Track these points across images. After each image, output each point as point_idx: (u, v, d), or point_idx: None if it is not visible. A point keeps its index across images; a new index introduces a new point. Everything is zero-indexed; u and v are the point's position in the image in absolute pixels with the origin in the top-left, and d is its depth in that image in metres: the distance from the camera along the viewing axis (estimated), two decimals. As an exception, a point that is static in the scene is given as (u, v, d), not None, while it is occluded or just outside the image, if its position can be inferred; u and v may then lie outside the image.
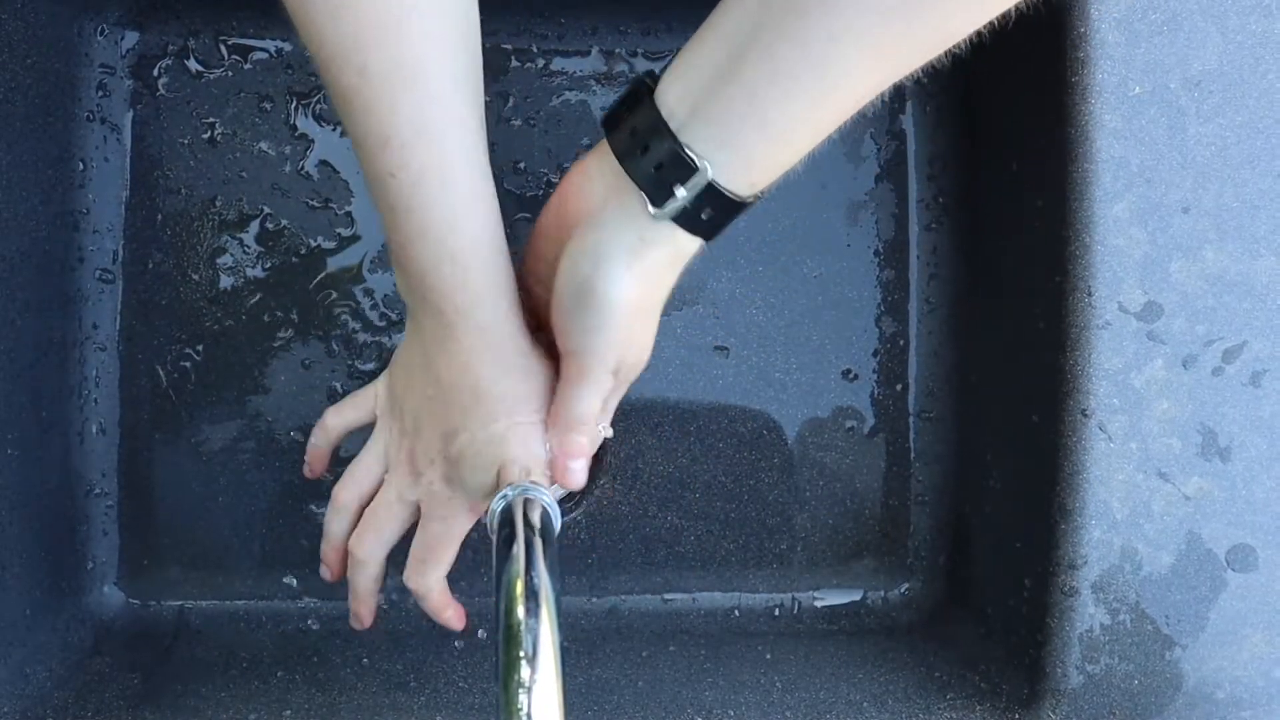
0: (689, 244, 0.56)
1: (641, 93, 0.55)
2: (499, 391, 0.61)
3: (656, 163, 0.53)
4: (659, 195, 0.53)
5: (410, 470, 0.66)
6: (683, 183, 0.53)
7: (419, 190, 0.56)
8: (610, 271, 0.55)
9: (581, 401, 0.60)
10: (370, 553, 0.69)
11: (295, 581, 0.87)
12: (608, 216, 0.56)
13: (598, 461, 0.67)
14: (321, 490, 0.87)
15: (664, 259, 0.56)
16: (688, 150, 0.52)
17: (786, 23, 0.49)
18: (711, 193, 0.53)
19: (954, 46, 0.50)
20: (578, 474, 0.62)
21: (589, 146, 0.86)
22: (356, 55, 0.53)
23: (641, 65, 0.87)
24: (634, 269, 0.56)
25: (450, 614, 0.72)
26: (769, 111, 0.51)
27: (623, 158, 0.54)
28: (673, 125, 0.53)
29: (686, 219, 0.54)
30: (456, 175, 0.56)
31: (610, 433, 0.66)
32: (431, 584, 0.70)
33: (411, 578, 0.69)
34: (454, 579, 0.78)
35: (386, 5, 0.52)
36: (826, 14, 0.48)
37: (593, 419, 0.62)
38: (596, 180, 0.57)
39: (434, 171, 0.55)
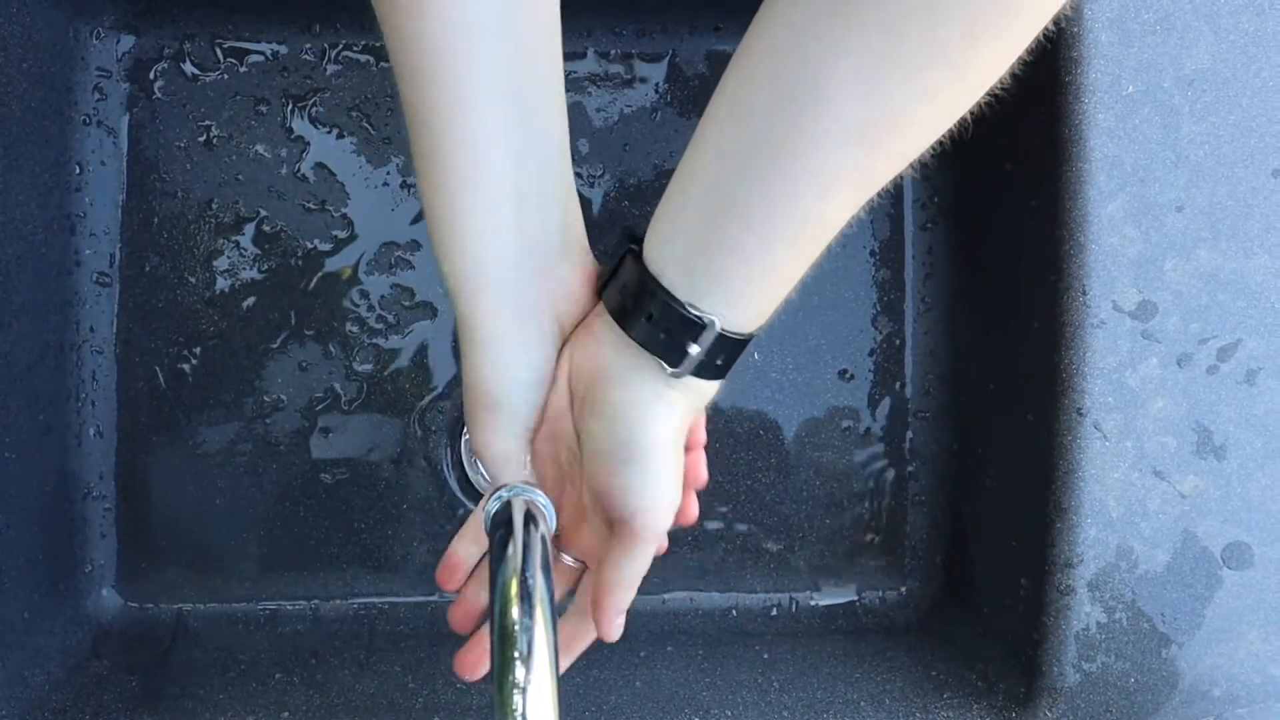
0: (709, 388, 0.56)
1: (630, 257, 0.55)
2: (480, 386, 0.59)
3: (665, 328, 0.53)
4: (674, 357, 0.54)
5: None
6: (694, 340, 0.53)
7: (432, 150, 0.53)
8: (652, 423, 0.56)
9: (647, 559, 0.59)
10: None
11: (293, 584, 0.87)
12: (624, 374, 0.56)
13: None
14: (318, 494, 0.87)
15: (690, 402, 0.56)
16: (693, 311, 0.53)
17: (756, 179, 0.50)
18: (722, 341, 0.53)
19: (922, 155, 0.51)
20: (620, 627, 0.61)
21: (585, 149, 0.87)
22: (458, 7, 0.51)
23: (636, 67, 0.88)
24: (672, 414, 0.56)
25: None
26: (760, 261, 0.52)
27: (626, 325, 0.55)
28: (669, 287, 0.53)
29: (703, 369, 0.54)
30: (537, 124, 0.54)
31: None
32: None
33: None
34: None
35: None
36: (792, 165, 0.49)
37: (643, 573, 0.60)
38: (605, 341, 0.56)
39: (512, 125, 0.53)
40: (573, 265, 0.57)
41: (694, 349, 0.53)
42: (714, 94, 0.52)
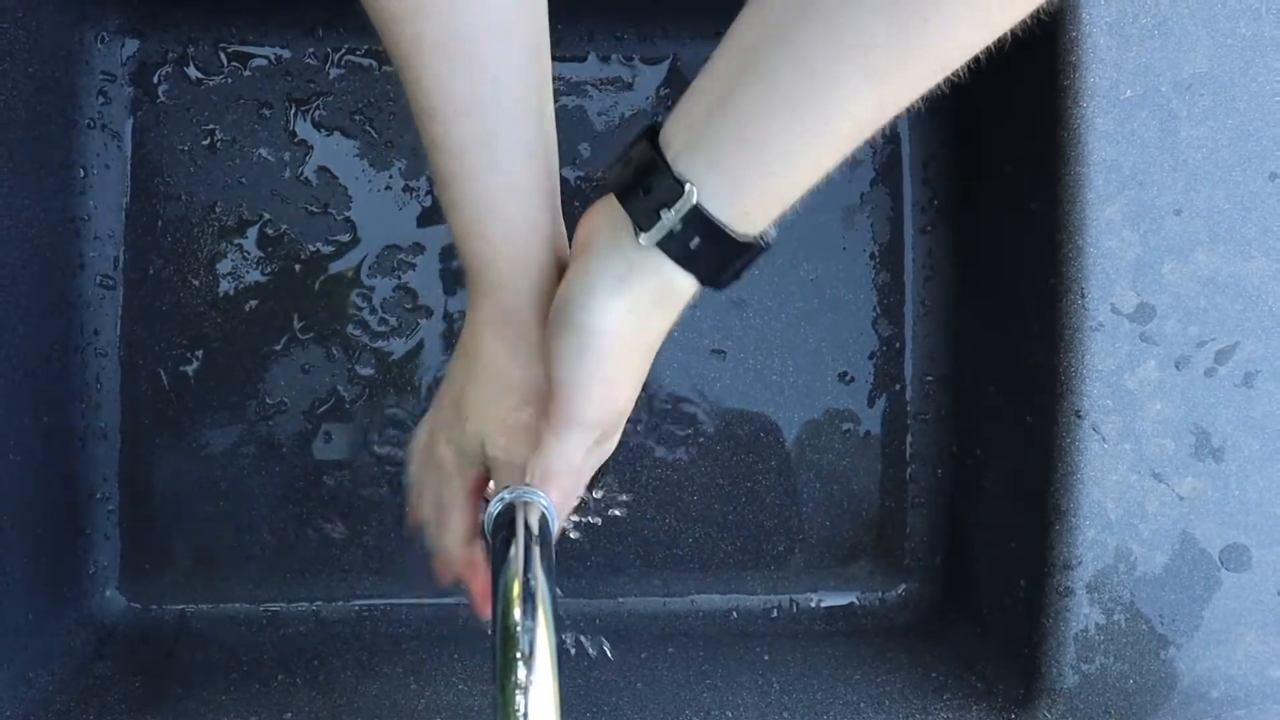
0: (679, 279, 0.54)
1: (644, 133, 0.54)
2: (500, 371, 0.61)
3: (646, 187, 0.52)
4: (647, 220, 0.52)
5: (427, 426, 0.67)
6: (669, 206, 0.51)
7: (459, 165, 0.55)
8: (597, 297, 0.54)
9: (564, 445, 0.58)
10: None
11: (296, 585, 0.88)
12: (600, 245, 0.55)
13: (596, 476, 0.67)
14: (320, 496, 0.87)
15: (653, 292, 0.54)
16: (676, 174, 0.51)
17: (786, 50, 0.48)
18: (699, 219, 0.51)
19: (952, 75, 0.50)
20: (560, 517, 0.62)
21: (587, 152, 0.87)
22: (411, 24, 0.52)
23: (637, 70, 0.88)
24: (621, 298, 0.54)
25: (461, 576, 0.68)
26: (765, 137, 0.50)
27: (620, 193, 0.53)
28: (669, 156, 0.52)
29: (675, 246, 0.52)
30: (497, 156, 0.55)
31: (593, 494, 0.66)
32: (445, 544, 0.67)
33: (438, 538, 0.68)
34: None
35: None
36: (821, 33, 0.47)
37: (572, 471, 0.60)
38: (600, 216, 0.56)
39: (474, 149, 0.55)
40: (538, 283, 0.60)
41: (666, 215, 0.51)
42: None
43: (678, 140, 0.52)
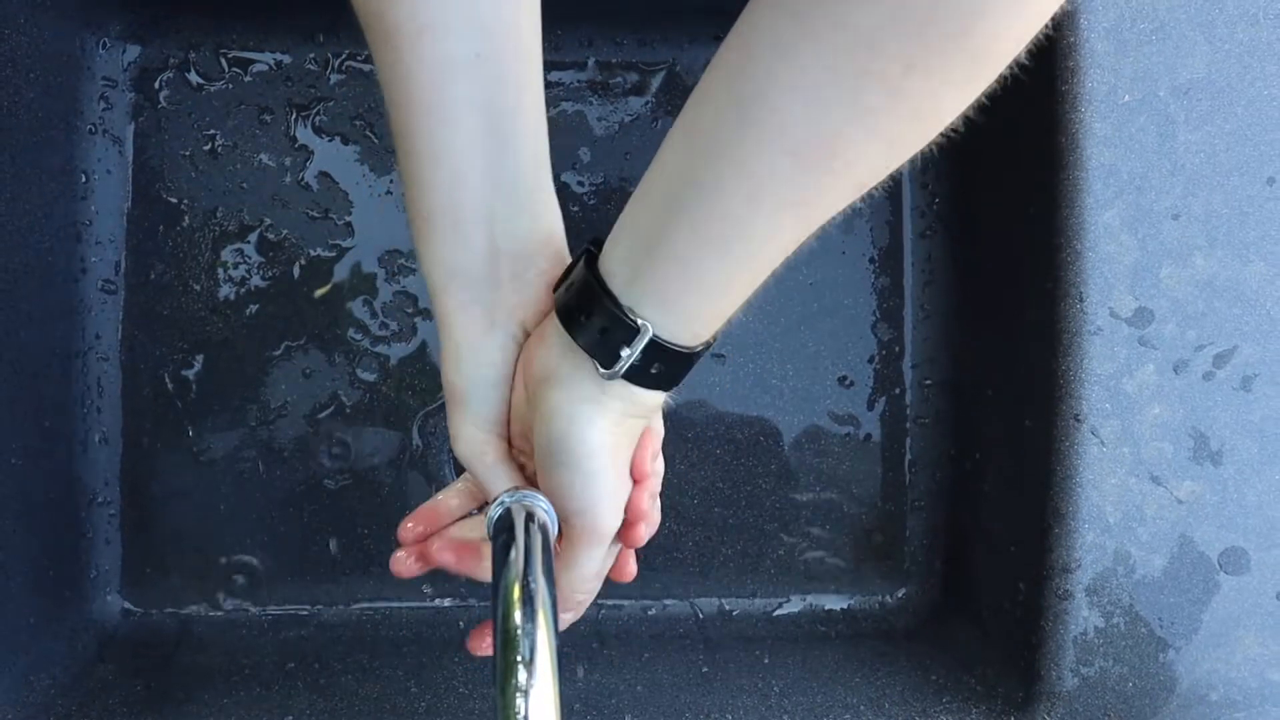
0: (648, 396, 0.57)
1: (583, 259, 0.56)
2: (448, 380, 0.61)
3: (601, 327, 0.54)
4: (606, 358, 0.54)
5: None
6: (627, 344, 0.54)
7: (397, 146, 0.57)
8: (581, 427, 0.57)
9: (592, 561, 0.61)
10: None
11: (296, 589, 0.88)
12: (565, 376, 0.57)
13: None
14: (321, 500, 0.87)
15: (623, 409, 0.57)
16: (629, 313, 0.53)
17: (704, 194, 0.50)
18: (657, 349, 0.54)
19: (871, 190, 0.51)
20: (579, 614, 0.65)
21: (587, 157, 0.87)
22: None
23: (636, 77, 0.88)
24: (602, 420, 0.57)
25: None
26: (703, 274, 0.52)
27: (567, 323, 0.56)
28: (614, 289, 0.54)
29: (638, 375, 0.55)
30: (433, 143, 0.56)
31: None
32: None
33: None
34: (454, 582, 0.79)
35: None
36: (740, 180, 0.49)
37: (598, 577, 0.63)
38: (552, 343, 0.57)
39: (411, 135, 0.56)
40: (541, 272, 0.59)
41: (625, 352, 0.54)
42: (681, 110, 0.53)
43: (621, 273, 0.54)
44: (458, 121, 0.54)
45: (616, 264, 0.54)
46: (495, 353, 0.60)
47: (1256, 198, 0.72)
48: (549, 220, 0.59)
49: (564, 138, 0.88)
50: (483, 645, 0.65)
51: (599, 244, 0.57)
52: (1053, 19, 0.47)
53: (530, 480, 0.63)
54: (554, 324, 0.57)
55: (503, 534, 0.57)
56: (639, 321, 0.53)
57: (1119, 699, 0.74)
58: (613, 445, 0.58)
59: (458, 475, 0.88)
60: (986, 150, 0.85)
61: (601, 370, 0.55)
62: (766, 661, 0.84)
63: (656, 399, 0.58)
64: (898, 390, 0.91)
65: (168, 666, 0.82)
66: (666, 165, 0.53)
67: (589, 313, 0.55)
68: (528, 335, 0.60)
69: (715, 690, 0.80)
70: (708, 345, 0.56)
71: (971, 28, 0.44)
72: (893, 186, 0.90)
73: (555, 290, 0.57)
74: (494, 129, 0.55)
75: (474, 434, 0.61)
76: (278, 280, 0.87)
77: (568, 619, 0.65)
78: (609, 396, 0.56)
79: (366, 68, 0.87)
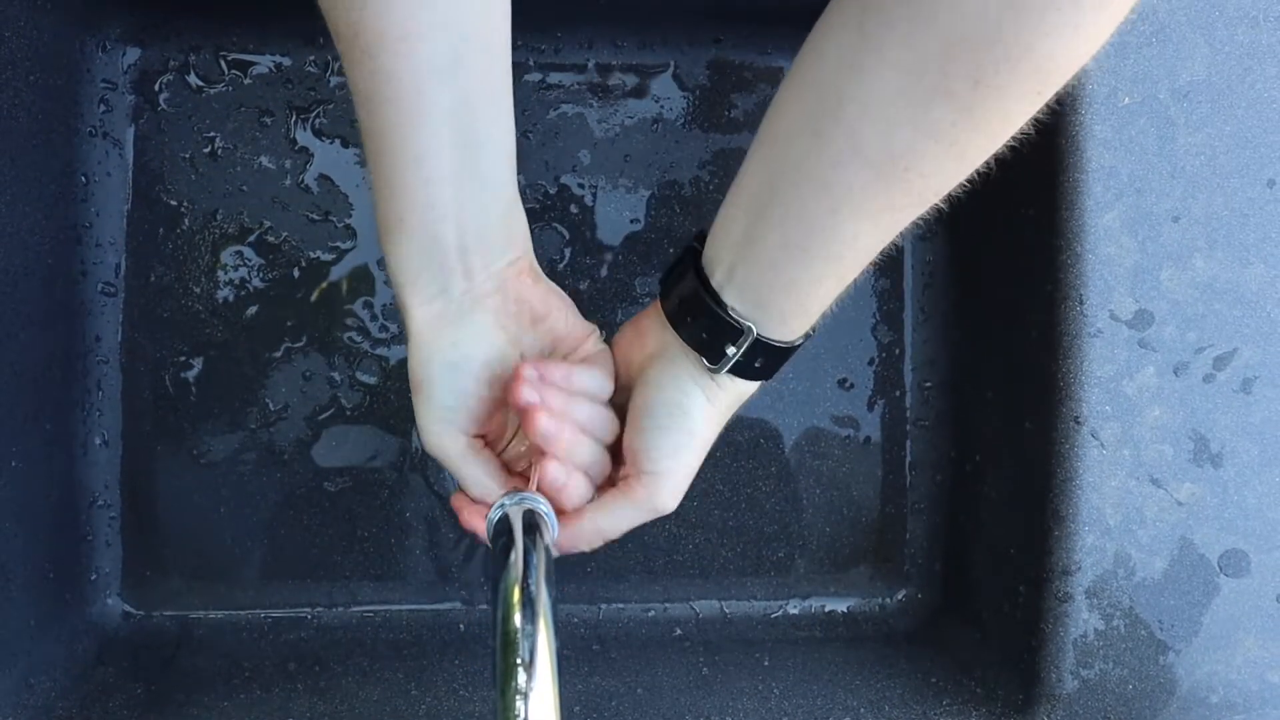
0: (747, 387, 0.61)
1: (688, 260, 0.60)
2: (412, 372, 0.62)
3: (705, 328, 0.59)
4: (713, 355, 0.59)
5: None
6: (733, 343, 0.58)
7: (370, 149, 0.57)
8: (696, 396, 0.61)
9: (627, 520, 0.63)
10: None
11: (297, 591, 0.88)
12: (677, 355, 0.61)
13: None
14: (321, 502, 0.87)
15: (729, 400, 0.61)
16: (732, 315, 0.57)
17: (787, 206, 0.54)
18: (759, 346, 0.58)
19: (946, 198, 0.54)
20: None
21: (587, 159, 0.87)
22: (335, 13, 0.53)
23: (636, 79, 0.88)
24: (712, 406, 0.61)
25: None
26: (791, 276, 0.56)
27: (675, 324, 0.60)
28: (714, 286, 0.58)
29: (742, 370, 0.59)
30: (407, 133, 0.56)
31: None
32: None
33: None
34: (455, 586, 0.79)
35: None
36: (819, 193, 0.53)
37: (616, 533, 0.64)
38: (652, 337, 0.62)
39: (380, 135, 0.56)
40: (510, 261, 0.61)
41: (731, 350, 0.58)
42: (766, 112, 0.56)
43: (718, 276, 0.58)
44: (437, 125, 0.55)
45: (714, 266, 0.58)
46: (466, 343, 0.61)
47: (1257, 200, 0.72)
48: (516, 212, 0.61)
49: (564, 140, 0.88)
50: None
51: (701, 239, 0.60)
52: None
53: (512, 473, 0.64)
54: (656, 320, 0.62)
55: (502, 537, 0.57)
56: (744, 324, 0.58)
57: (1119, 701, 0.74)
58: (706, 430, 0.62)
59: (458, 485, 0.88)
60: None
61: (708, 365, 0.59)
62: (767, 664, 0.84)
63: (749, 389, 0.62)
64: (898, 393, 0.91)
65: (168, 669, 0.82)
66: (753, 175, 0.57)
67: (692, 314, 0.59)
68: (504, 325, 0.61)
69: (715, 692, 0.80)
70: (807, 336, 0.60)
71: (1033, 46, 0.46)
72: (923, 215, 0.90)
73: (661, 284, 0.62)
74: (470, 130, 0.56)
75: (440, 428, 0.62)
76: (278, 283, 0.87)
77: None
78: (717, 388, 0.61)
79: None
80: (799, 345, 0.60)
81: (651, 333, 0.62)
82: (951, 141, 0.50)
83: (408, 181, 0.56)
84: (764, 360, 0.59)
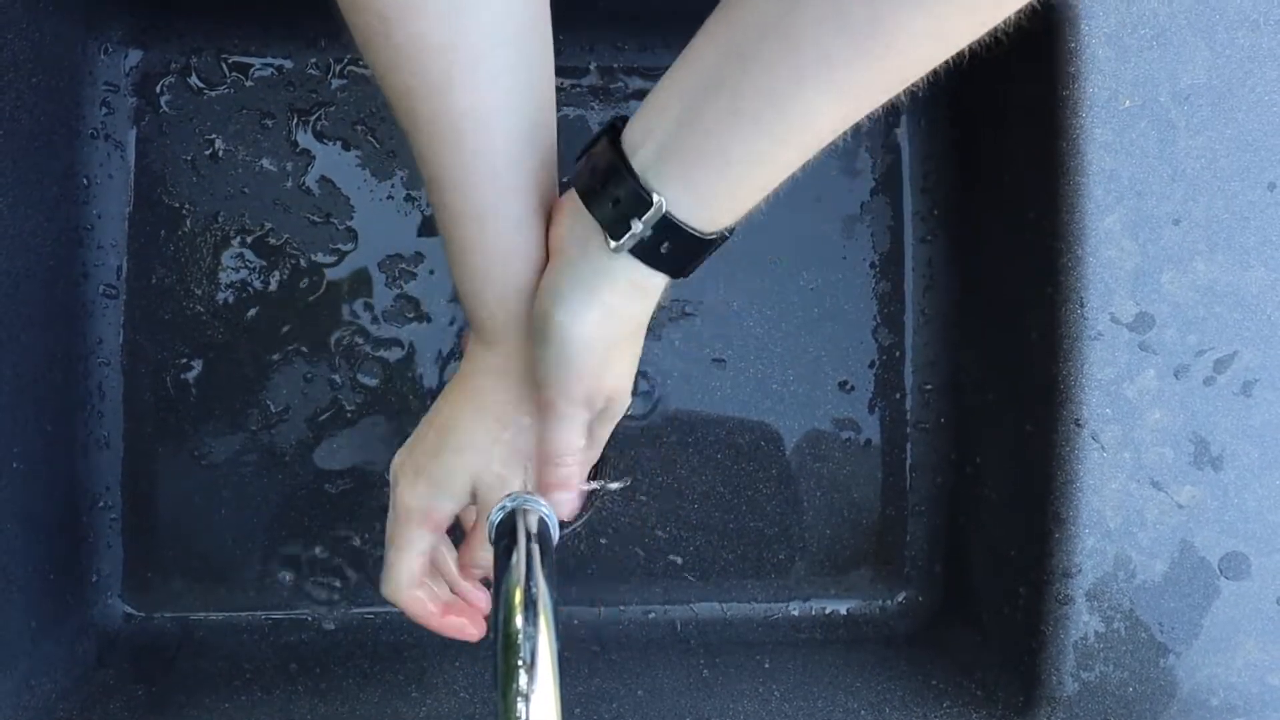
0: (651, 279, 0.56)
1: (606, 134, 0.56)
2: (499, 411, 0.63)
3: (614, 198, 0.54)
4: (617, 229, 0.54)
5: (402, 455, 0.69)
6: (639, 216, 0.53)
7: (456, 233, 0.58)
8: (568, 306, 0.56)
9: (556, 434, 0.61)
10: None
11: (297, 593, 0.88)
12: (571, 253, 0.57)
13: (596, 476, 0.68)
14: (322, 504, 0.87)
15: (624, 292, 0.56)
16: (644, 185, 0.53)
17: (748, 67, 0.50)
18: (669, 226, 0.53)
19: (919, 79, 0.50)
20: (563, 505, 0.63)
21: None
22: (405, 102, 0.54)
23: (638, 82, 0.88)
24: (592, 303, 0.56)
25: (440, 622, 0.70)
26: (730, 150, 0.51)
27: (585, 196, 0.55)
28: (634, 164, 0.53)
29: (645, 253, 0.54)
30: (488, 230, 0.58)
31: (617, 484, 0.67)
32: (386, 588, 0.68)
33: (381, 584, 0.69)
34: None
35: (438, 59, 0.52)
36: (782, 52, 0.49)
37: (570, 450, 0.62)
38: (568, 219, 0.58)
39: (468, 222, 0.57)
40: None
41: (636, 225, 0.53)
42: None
43: (643, 150, 0.54)
44: (529, 190, 0.57)
45: (640, 138, 0.54)
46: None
47: (1258, 203, 0.73)
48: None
49: (565, 143, 0.87)
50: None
51: (623, 120, 0.56)
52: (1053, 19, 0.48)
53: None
54: (570, 197, 0.57)
55: (504, 538, 0.57)
56: (654, 195, 0.53)
57: (1119, 704, 0.74)
58: (593, 336, 0.57)
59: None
60: (987, 155, 0.85)
61: (610, 242, 0.54)
62: (767, 666, 0.84)
63: (654, 284, 0.57)
64: (898, 395, 0.91)
65: (169, 671, 0.82)
66: (704, 44, 0.52)
67: (605, 183, 0.54)
68: None
69: (715, 695, 0.80)
70: (723, 237, 0.55)
71: None
72: (893, 191, 0.90)
73: (576, 161, 0.57)
74: (543, 186, 0.58)
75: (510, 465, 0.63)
76: (279, 285, 0.87)
77: (561, 499, 0.64)
78: (606, 278, 0.56)
79: (368, 72, 0.87)
80: (714, 241, 0.55)
81: (564, 212, 0.58)
82: (940, 16, 0.47)
83: (448, 236, 0.58)
84: (672, 245, 0.54)
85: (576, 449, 0.62)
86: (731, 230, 0.55)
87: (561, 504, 0.63)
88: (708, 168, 0.52)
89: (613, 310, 0.57)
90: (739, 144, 0.51)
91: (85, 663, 0.82)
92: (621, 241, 0.54)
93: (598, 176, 0.55)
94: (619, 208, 0.54)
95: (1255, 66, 0.72)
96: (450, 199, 0.56)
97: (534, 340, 0.59)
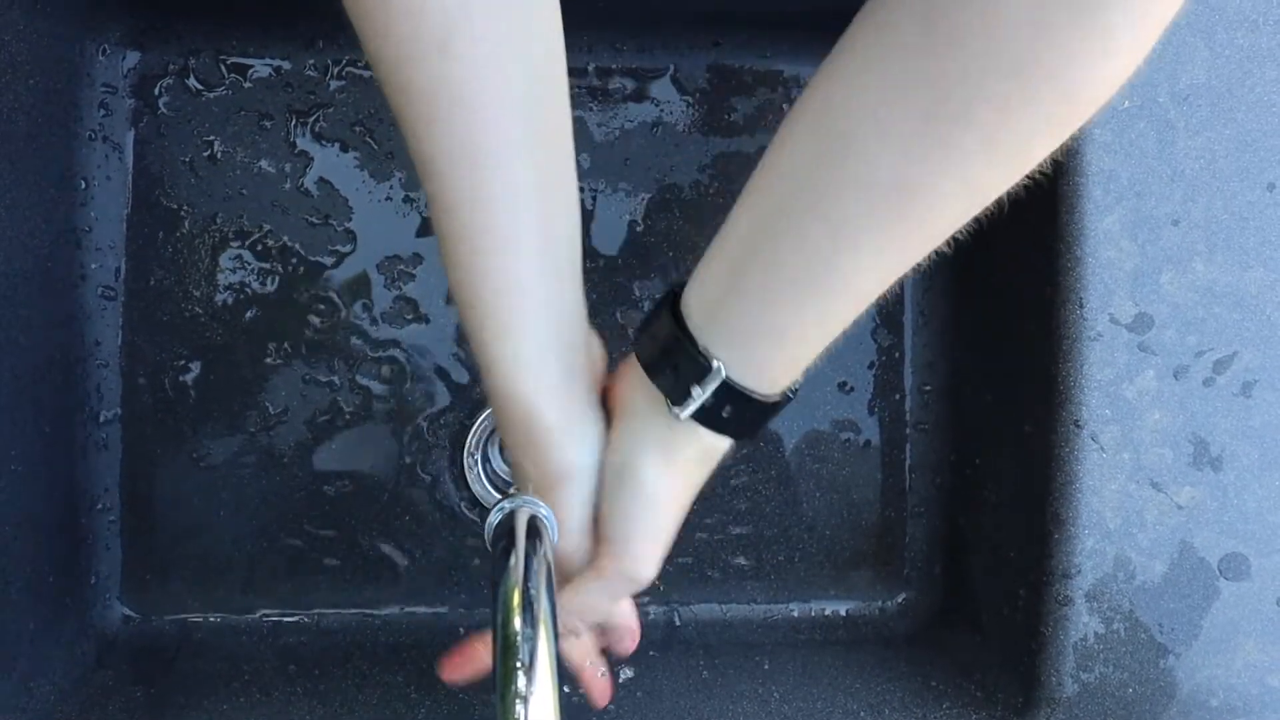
0: (716, 442, 0.57)
1: (664, 308, 0.56)
2: (556, 465, 0.60)
3: (675, 364, 0.54)
4: (677, 395, 0.55)
5: None
6: (698, 382, 0.54)
7: (451, 222, 0.54)
8: (650, 462, 0.57)
9: (604, 596, 0.62)
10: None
11: (297, 595, 0.88)
12: (640, 409, 0.57)
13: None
14: (321, 505, 0.87)
15: (693, 456, 0.57)
16: (703, 352, 0.53)
17: (789, 238, 0.50)
18: (730, 391, 0.54)
19: (956, 234, 0.51)
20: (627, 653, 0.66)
21: (586, 163, 0.87)
22: (399, 73, 0.51)
23: (636, 82, 0.88)
24: (670, 463, 0.57)
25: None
26: (779, 318, 0.52)
27: (647, 366, 0.56)
28: (691, 328, 0.54)
29: (708, 417, 0.55)
30: (492, 217, 0.54)
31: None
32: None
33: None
34: (455, 589, 0.78)
35: (435, 21, 0.49)
36: (815, 220, 0.49)
37: (598, 613, 0.63)
38: (634, 384, 0.58)
39: (466, 205, 0.53)
40: (591, 334, 0.60)
41: (697, 391, 0.54)
42: (762, 157, 0.53)
43: (698, 315, 0.54)
44: (548, 233, 0.54)
45: (695, 302, 0.55)
46: (590, 425, 0.59)
47: (1257, 203, 0.73)
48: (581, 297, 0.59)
49: (564, 143, 0.88)
50: (455, 670, 0.67)
51: (681, 286, 0.56)
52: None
53: None
54: (632, 366, 0.58)
55: (502, 539, 0.57)
56: (712, 361, 0.53)
57: (1119, 705, 0.74)
58: (671, 492, 0.58)
59: (458, 488, 0.88)
60: (986, 156, 0.85)
61: (672, 408, 0.55)
62: (766, 667, 0.84)
63: (720, 446, 0.57)
64: (897, 396, 0.91)
65: (168, 672, 0.82)
66: (749, 204, 0.53)
67: (665, 350, 0.55)
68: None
69: (715, 696, 0.80)
70: (786, 397, 0.56)
71: (1062, 73, 0.44)
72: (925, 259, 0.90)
73: (637, 332, 0.58)
74: (565, 214, 0.55)
75: (585, 507, 0.60)
76: (278, 286, 0.87)
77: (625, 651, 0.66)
78: (679, 440, 0.56)
79: (366, 74, 0.87)
80: (777, 403, 0.56)
81: (628, 376, 0.58)
82: (967, 175, 0.47)
83: (525, 282, 0.54)
84: (734, 409, 0.55)
85: (601, 612, 0.64)
86: (795, 391, 0.56)
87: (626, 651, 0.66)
88: (760, 336, 0.53)
89: (685, 469, 0.58)
90: (786, 314, 0.52)
91: (84, 664, 0.82)
92: (684, 408, 0.54)
93: (659, 346, 0.55)
94: (679, 374, 0.54)
95: (1254, 67, 0.72)
96: (448, 179, 0.53)
97: (607, 491, 0.59)
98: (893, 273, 0.51)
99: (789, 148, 0.51)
